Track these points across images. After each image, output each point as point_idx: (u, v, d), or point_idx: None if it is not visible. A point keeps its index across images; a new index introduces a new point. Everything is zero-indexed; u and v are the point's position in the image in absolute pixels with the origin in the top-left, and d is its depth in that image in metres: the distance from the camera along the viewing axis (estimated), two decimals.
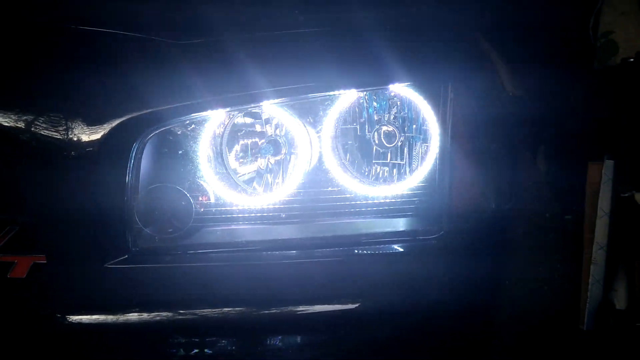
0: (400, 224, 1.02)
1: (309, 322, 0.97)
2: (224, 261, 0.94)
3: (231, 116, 0.96)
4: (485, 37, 1.21)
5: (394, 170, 1.01)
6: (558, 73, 1.45)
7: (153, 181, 0.92)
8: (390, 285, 0.99)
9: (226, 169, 0.97)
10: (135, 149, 0.89)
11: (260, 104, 0.95)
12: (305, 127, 0.97)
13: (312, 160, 0.99)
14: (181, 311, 0.92)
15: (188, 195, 0.92)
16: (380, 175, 1.01)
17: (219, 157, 0.96)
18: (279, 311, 0.95)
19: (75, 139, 0.87)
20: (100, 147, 0.87)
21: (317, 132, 0.98)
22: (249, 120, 0.98)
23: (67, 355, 0.92)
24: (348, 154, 1.00)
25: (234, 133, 0.97)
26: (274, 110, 0.97)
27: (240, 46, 0.94)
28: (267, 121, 0.97)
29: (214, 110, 0.93)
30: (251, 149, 0.98)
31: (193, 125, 0.94)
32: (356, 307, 0.97)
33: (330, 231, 0.99)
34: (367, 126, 0.99)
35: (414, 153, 1.01)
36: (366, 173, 1.00)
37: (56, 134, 0.87)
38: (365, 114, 0.99)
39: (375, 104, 0.99)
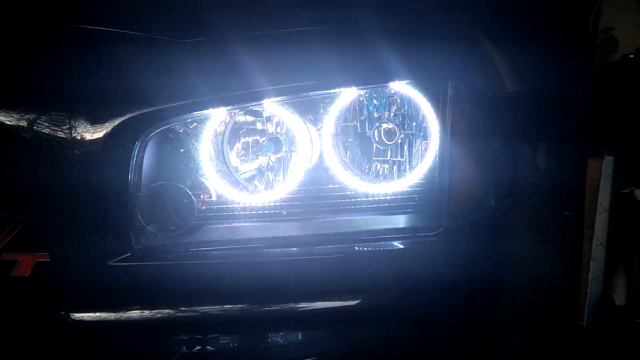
0: (400, 221, 1.02)
1: (310, 319, 0.98)
2: (225, 258, 0.95)
3: (232, 114, 0.96)
4: (485, 35, 1.22)
5: (394, 168, 1.02)
6: (558, 70, 1.46)
7: (155, 179, 0.93)
8: (390, 281, 1.00)
9: (227, 167, 0.98)
10: (137, 148, 0.90)
11: (261, 102, 0.95)
12: (305, 124, 0.98)
13: (313, 157, 0.99)
14: (184, 308, 0.93)
15: (190, 193, 0.93)
16: (381, 173, 1.02)
17: (221, 155, 0.97)
18: (280, 308, 0.96)
19: (78, 137, 0.87)
20: (103, 146, 0.88)
21: (318, 130, 0.99)
22: (250, 118, 0.98)
23: (71, 352, 0.94)
24: (348, 152, 1.01)
25: (235, 131, 0.98)
26: (274, 109, 0.97)
27: (241, 45, 0.94)
28: (268, 119, 0.98)
29: (216, 108, 0.94)
30: (252, 147, 0.99)
31: (195, 124, 0.95)
32: (357, 303, 0.98)
33: (330, 228, 1.00)
34: (367, 124, 1.00)
35: (413, 150, 1.01)
36: (366, 170, 1.01)
37: (59, 132, 0.87)
38: (365, 112, 1.00)
39: (375, 101, 1.00)
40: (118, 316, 0.91)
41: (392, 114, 1.01)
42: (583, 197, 1.55)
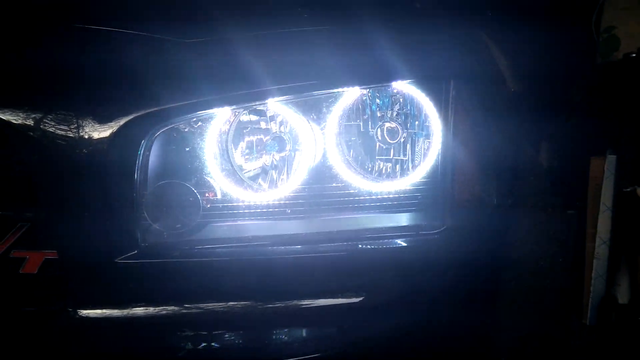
0: (403, 219, 1.04)
1: (314, 316, 1.00)
2: (230, 256, 0.97)
3: (237, 114, 0.98)
4: (487, 34, 1.23)
5: (397, 166, 1.03)
6: (560, 69, 1.47)
7: (161, 178, 0.95)
8: (393, 279, 1.02)
9: (232, 166, 0.99)
10: (143, 147, 0.92)
11: (265, 101, 0.97)
12: (309, 124, 1.00)
13: (317, 156, 1.01)
14: (190, 305, 0.95)
15: (195, 191, 0.95)
16: (384, 171, 1.03)
17: (225, 153, 0.99)
18: (284, 305, 0.98)
19: (85, 136, 0.89)
20: (110, 145, 0.90)
21: (321, 129, 1.00)
22: (254, 117, 1.00)
23: (78, 349, 0.95)
24: (351, 150, 1.02)
25: (240, 130, 0.99)
26: (278, 108, 0.99)
27: (245, 45, 0.96)
28: (272, 118, 1.00)
29: (220, 108, 0.95)
30: (256, 146, 1.00)
31: (199, 123, 0.96)
32: (360, 300, 0.99)
33: (334, 226, 1.01)
34: (370, 123, 1.01)
35: (416, 149, 1.03)
36: (369, 169, 1.03)
37: (67, 132, 0.89)
38: (368, 111, 1.01)
39: (378, 101, 1.01)
40: (125, 313, 0.93)
41: (394, 113, 1.02)
42: (586, 196, 1.57)
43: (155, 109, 0.91)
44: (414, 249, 1.02)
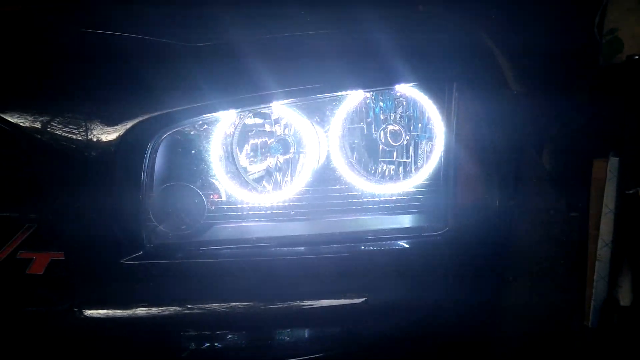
0: (406, 221, 1.05)
1: (317, 316, 1.02)
2: (235, 257, 0.98)
3: (241, 117, 1.00)
4: (489, 37, 1.25)
5: (400, 168, 1.05)
6: (563, 70, 1.49)
7: (167, 180, 0.97)
8: (395, 280, 1.03)
9: (237, 168, 1.01)
10: (149, 149, 0.94)
11: (270, 104, 0.99)
12: (313, 126, 1.02)
13: (320, 159, 1.03)
14: (194, 305, 0.97)
15: (200, 193, 0.97)
16: (387, 173, 1.05)
17: (230, 156, 1.01)
18: (287, 305, 0.99)
19: (93, 139, 0.91)
20: (117, 147, 0.92)
21: (325, 132, 1.02)
22: (258, 120, 1.02)
23: (85, 348, 0.98)
24: (355, 153, 1.04)
25: (244, 133, 1.01)
26: (283, 111, 1.01)
27: (250, 48, 0.98)
28: (277, 121, 1.02)
29: (225, 111, 0.98)
30: (261, 148, 1.02)
31: (205, 126, 0.98)
32: (362, 301, 1.00)
33: (337, 228, 1.03)
34: (373, 125, 1.03)
35: (419, 151, 1.04)
36: (373, 171, 1.04)
37: (75, 134, 0.92)
38: (371, 114, 1.03)
39: (381, 103, 1.03)
40: (130, 313, 0.95)
41: (398, 116, 1.04)
42: (588, 198, 1.58)
43: (162, 112, 0.93)
44: (417, 250, 1.04)
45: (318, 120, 1.02)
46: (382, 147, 1.04)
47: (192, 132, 0.99)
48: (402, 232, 1.05)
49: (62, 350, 0.98)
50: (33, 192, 0.95)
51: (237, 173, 1.02)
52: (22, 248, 0.95)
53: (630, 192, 1.50)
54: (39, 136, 0.92)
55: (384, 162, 1.05)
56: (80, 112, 0.93)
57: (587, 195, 1.58)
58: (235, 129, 1.01)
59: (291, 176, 1.03)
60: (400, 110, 1.04)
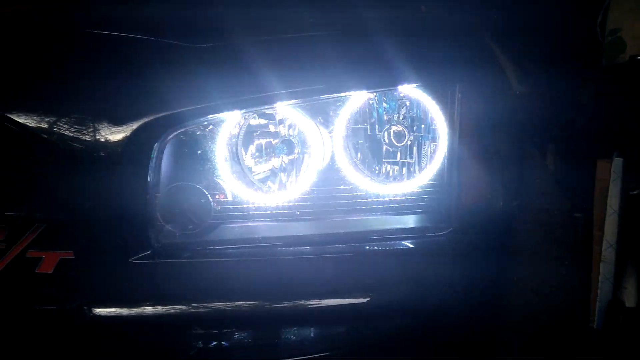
0: (409, 221, 1.07)
1: (322, 316, 1.03)
2: (240, 256, 1.00)
3: (246, 117, 1.02)
4: (493, 37, 1.28)
5: (404, 169, 1.06)
6: (566, 71, 1.51)
7: (173, 180, 0.99)
8: (400, 280, 1.05)
9: (242, 168, 1.03)
10: (156, 150, 0.96)
11: (275, 105, 1.01)
12: (317, 127, 1.04)
13: (325, 159, 1.05)
14: (201, 304, 0.99)
15: (206, 193, 0.99)
16: (391, 174, 1.06)
17: (235, 156, 1.03)
18: (292, 305, 1.01)
19: (100, 140, 0.94)
20: (124, 148, 0.94)
21: (329, 132, 1.04)
22: (263, 121, 1.04)
23: (93, 347, 0.99)
24: (359, 153, 1.06)
25: (250, 133, 1.03)
26: (287, 111, 1.03)
27: (255, 50, 1.00)
28: (281, 122, 1.04)
29: (230, 111, 1.00)
30: (266, 149, 1.04)
31: (210, 126, 1.00)
32: (367, 301, 1.02)
33: (342, 228, 1.04)
34: (377, 126, 1.05)
35: (423, 152, 1.06)
36: (377, 171, 1.06)
37: (83, 135, 0.94)
38: (375, 114, 1.05)
39: (385, 104, 1.05)
40: (138, 311, 0.97)
41: (401, 117, 1.05)
42: (592, 199, 1.60)
43: (168, 113, 0.96)
44: (421, 250, 1.05)
45: (322, 120, 1.04)
46: (385, 148, 1.06)
47: (197, 133, 1.01)
48: (406, 232, 1.06)
49: (71, 348, 0.99)
50: (42, 192, 0.97)
51: (243, 173, 1.03)
52: (32, 247, 0.97)
53: (634, 192, 1.52)
54: (47, 137, 0.94)
55: (387, 162, 1.06)
56: (88, 113, 0.95)
57: (591, 196, 1.59)
58: (240, 129, 1.03)
59: (296, 176, 1.04)
60: (403, 111, 1.05)
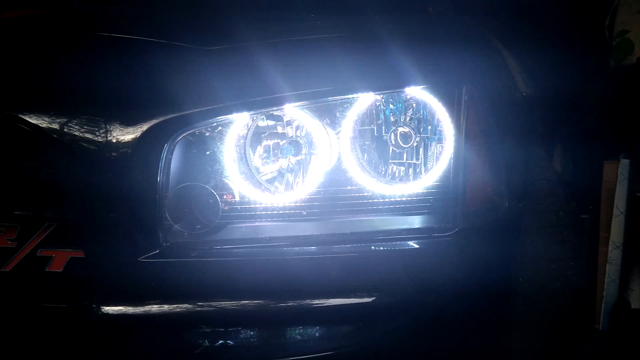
0: (415, 222, 1.08)
1: (327, 315, 1.05)
2: (248, 256, 1.02)
3: (254, 119, 1.04)
4: (499, 39, 1.28)
5: (410, 170, 1.08)
6: (573, 72, 1.51)
7: (182, 180, 1.01)
8: (405, 280, 1.06)
9: (250, 169, 1.05)
10: (166, 150, 0.98)
11: (282, 106, 1.03)
12: (324, 128, 1.05)
13: (332, 160, 1.06)
14: (208, 302, 1.00)
15: (215, 193, 1.01)
16: (397, 175, 1.08)
17: (243, 157, 1.04)
18: (298, 304, 1.03)
19: (112, 140, 0.96)
20: (134, 148, 0.96)
21: (336, 133, 1.05)
22: (271, 122, 1.05)
23: (103, 344, 1.02)
24: (366, 154, 1.07)
25: (257, 134, 1.05)
26: (295, 113, 1.04)
27: (263, 52, 1.02)
28: (289, 123, 1.05)
29: (239, 113, 1.01)
30: (273, 150, 1.05)
31: (219, 128, 1.02)
32: (372, 300, 1.04)
33: (348, 228, 1.06)
34: (383, 127, 1.07)
35: (429, 153, 1.07)
36: (383, 172, 1.08)
37: (94, 136, 0.96)
38: (382, 116, 1.06)
39: (391, 106, 1.06)
40: (147, 309, 0.99)
41: (408, 118, 1.07)
42: (599, 200, 1.61)
43: (178, 114, 0.97)
44: (426, 251, 1.06)
45: (329, 122, 1.05)
46: (392, 149, 1.07)
47: (206, 134, 1.02)
48: (412, 233, 1.07)
49: (81, 345, 1.02)
50: (53, 192, 0.99)
51: (250, 174, 1.05)
52: (43, 246, 0.99)
53: None
54: (58, 137, 0.96)
55: (394, 163, 1.08)
56: (99, 114, 0.97)
57: (598, 197, 1.60)
58: (248, 130, 1.04)
59: (303, 177, 1.06)
60: (410, 112, 1.07)
